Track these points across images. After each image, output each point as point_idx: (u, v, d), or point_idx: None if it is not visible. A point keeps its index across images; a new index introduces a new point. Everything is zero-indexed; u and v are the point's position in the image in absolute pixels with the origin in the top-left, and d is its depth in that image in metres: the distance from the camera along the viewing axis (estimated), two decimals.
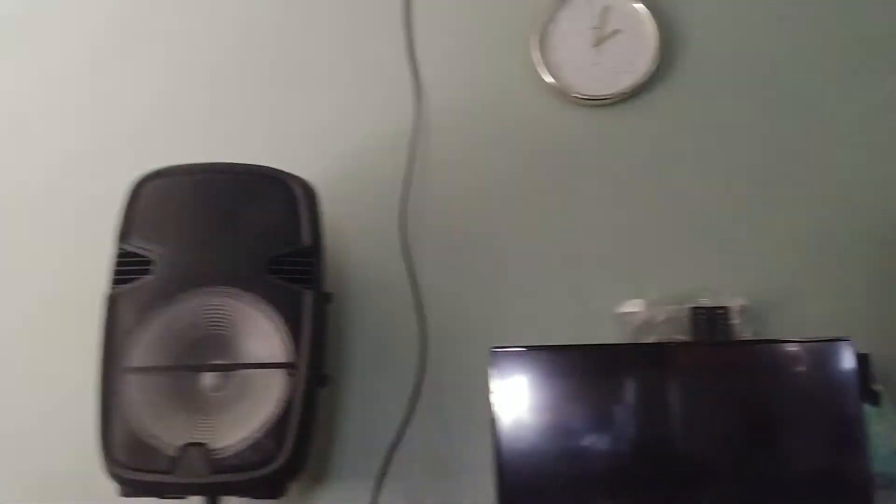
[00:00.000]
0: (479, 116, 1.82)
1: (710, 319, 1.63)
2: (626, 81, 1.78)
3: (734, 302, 1.65)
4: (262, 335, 1.43)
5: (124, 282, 1.45)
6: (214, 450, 1.38)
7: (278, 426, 1.39)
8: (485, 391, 1.63)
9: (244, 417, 1.40)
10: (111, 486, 1.42)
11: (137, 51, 1.92)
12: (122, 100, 1.89)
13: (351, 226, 1.77)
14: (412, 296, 1.73)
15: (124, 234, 1.48)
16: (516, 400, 1.49)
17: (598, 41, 1.81)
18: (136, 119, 1.88)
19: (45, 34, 1.94)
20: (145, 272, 1.45)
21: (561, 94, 1.79)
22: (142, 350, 1.42)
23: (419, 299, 1.73)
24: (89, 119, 1.89)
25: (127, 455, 1.39)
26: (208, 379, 1.42)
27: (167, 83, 1.89)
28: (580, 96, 1.78)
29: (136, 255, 1.47)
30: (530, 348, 1.51)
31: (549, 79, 1.79)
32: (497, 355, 1.50)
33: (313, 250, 1.50)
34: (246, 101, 1.87)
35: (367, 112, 1.84)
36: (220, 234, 1.48)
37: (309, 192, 1.53)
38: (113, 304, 1.44)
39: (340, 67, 1.87)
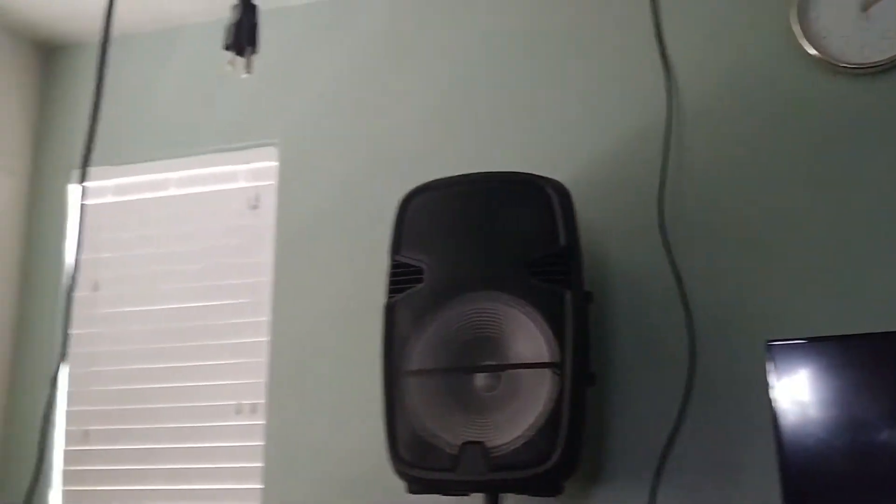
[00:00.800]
0: (736, 100, 1.74)
1: None
2: None
3: None
4: (527, 336, 1.47)
5: (399, 291, 1.55)
6: (492, 448, 1.43)
7: (550, 425, 1.42)
8: (760, 386, 1.56)
9: (516, 416, 1.44)
10: (399, 485, 1.52)
11: (395, 75, 2.03)
12: (385, 122, 2.00)
13: (609, 224, 1.76)
14: (677, 291, 1.69)
15: (397, 247, 1.59)
16: (798, 395, 1.40)
17: (867, 4, 1.66)
18: (401, 138, 1.98)
19: (314, 61, 2.11)
20: (417, 281, 1.55)
21: (827, 65, 1.67)
22: (419, 354, 1.51)
23: (684, 294, 1.69)
24: (364, 140, 2.02)
25: (412, 454, 1.48)
26: (480, 379, 1.48)
27: (423, 102, 1.98)
28: (849, 66, 1.65)
29: (408, 265, 1.56)
30: (812, 340, 1.42)
31: (811, 51, 1.67)
32: (775, 349, 1.43)
33: (570, 251, 1.51)
34: (498, 109, 1.91)
35: (618, 108, 1.82)
36: (482, 241, 1.53)
37: (563, 194, 1.54)
38: (391, 312, 1.55)
39: (588, 66, 1.86)
